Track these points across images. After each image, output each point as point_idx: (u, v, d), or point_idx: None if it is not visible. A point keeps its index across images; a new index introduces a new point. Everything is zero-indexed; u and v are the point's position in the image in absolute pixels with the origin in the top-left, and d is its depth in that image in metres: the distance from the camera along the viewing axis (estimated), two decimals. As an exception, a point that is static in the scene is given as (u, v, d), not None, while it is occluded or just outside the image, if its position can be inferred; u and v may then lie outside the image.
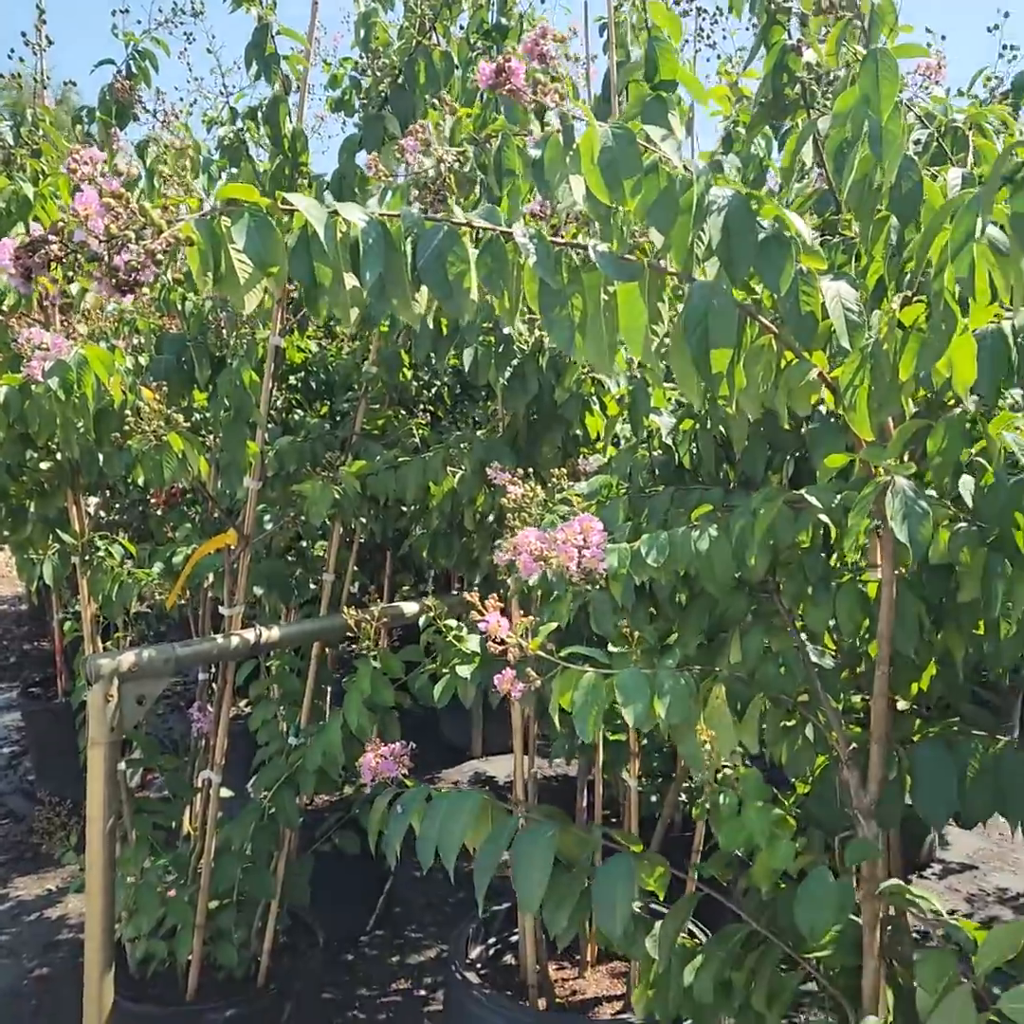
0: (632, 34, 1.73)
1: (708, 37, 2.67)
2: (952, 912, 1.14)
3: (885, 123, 1.10)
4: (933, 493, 1.17)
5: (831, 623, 1.27)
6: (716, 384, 1.05)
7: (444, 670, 1.88)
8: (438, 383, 3.30)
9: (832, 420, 1.22)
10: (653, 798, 3.16)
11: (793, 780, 1.38)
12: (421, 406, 3.25)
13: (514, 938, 2.70)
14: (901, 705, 1.44)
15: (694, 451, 1.61)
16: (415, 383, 3.07)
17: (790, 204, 1.47)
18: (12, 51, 2.16)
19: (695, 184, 1.03)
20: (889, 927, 1.20)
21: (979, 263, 0.93)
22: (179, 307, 2.92)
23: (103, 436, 1.81)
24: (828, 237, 1.46)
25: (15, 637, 7.63)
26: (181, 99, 2.84)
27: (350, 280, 0.96)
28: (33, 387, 1.62)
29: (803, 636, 1.34)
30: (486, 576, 2.55)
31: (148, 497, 3.08)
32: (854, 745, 1.23)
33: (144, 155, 2.53)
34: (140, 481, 2.15)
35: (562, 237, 1.32)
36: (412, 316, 1.00)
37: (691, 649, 1.34)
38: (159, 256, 0.86)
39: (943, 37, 2.33)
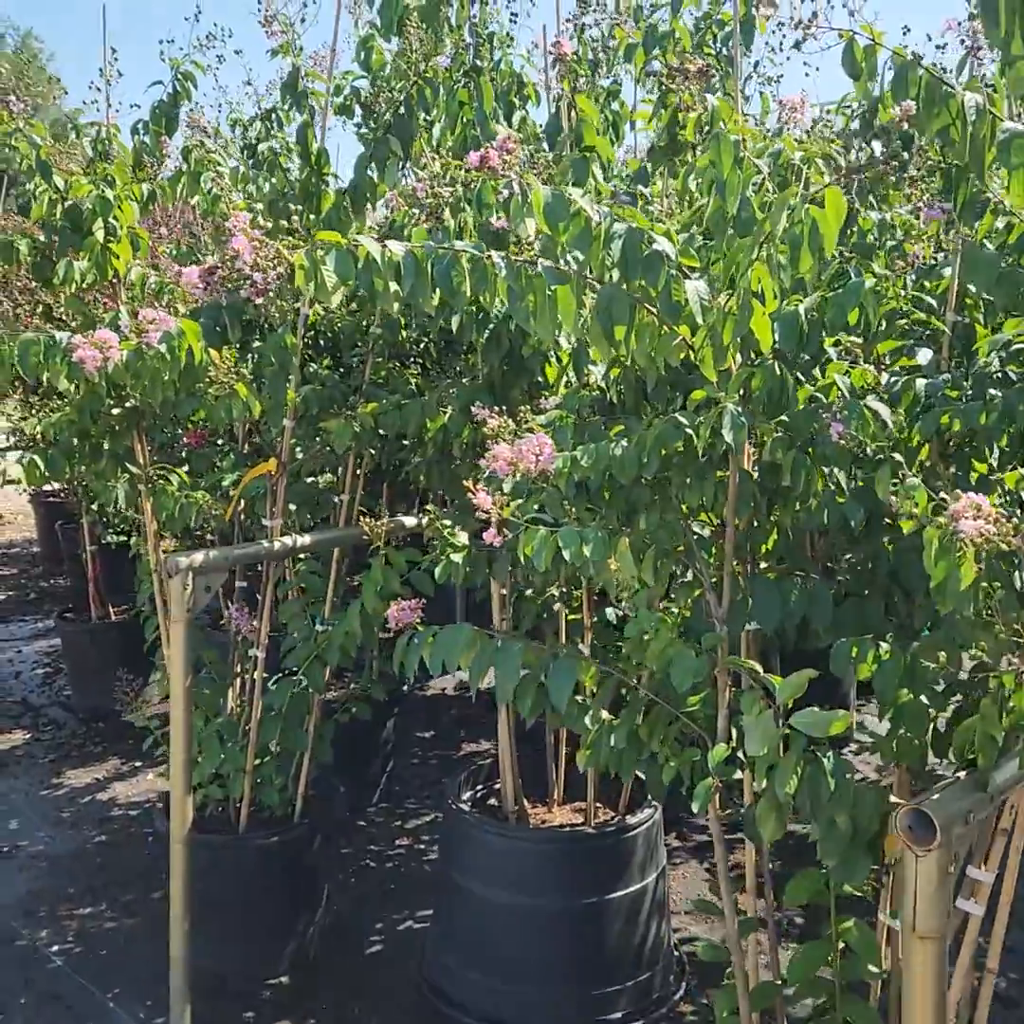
0: (567, 112, 2.33)
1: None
2: (863, 779, 1.78)
3: (726, 177, 1.74)
4: (763, 417, 1.83)
5: (704, 503, 1.93)
6: (618, 347, 1.68)
7: (442, 557, 2.53)
8: (425, 340, 3.92)
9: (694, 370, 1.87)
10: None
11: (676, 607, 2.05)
12: (412, 358, 3.88)
13: (496, 787, 3.38)
14: (763, 566, 2.11)
15: (620, 392, 2.26)
16: (408, 342, 3.69)
17: (678, 217, 2.10)
18: (91, 83, 2.73)
19: (603, 222, 1.66)
20: (733, 689, 1.88)
21: (762, 275, 1.57)
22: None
23: (185, 386, 2.43)
24: (708, 241, 2.10)
25: (32, 576, 8.24)
26: (211, 106, 3.38)
27: (392, 287, 1.58)
28: (145, 350, 2.24)
29: (686, 513, 2.00)
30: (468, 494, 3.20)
31: (183, 438, 3.70)
32: (714, 580, 1.90)
33: (188, 158, 3.12)
34: (201, 419, 2.78)
35: (522, 245, 1.96)
36: (430, 307, 1.63)
37: (612, 524, 2.00)
38: (284, 275, 1.49)
39: (817, 68, 2.92)
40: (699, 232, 2.14)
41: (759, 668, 1.74)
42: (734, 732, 1.86)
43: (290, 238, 1.48)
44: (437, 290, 1.62)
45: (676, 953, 3.25)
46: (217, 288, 1.47)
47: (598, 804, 3.21)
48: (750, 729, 1.67)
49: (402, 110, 2.53)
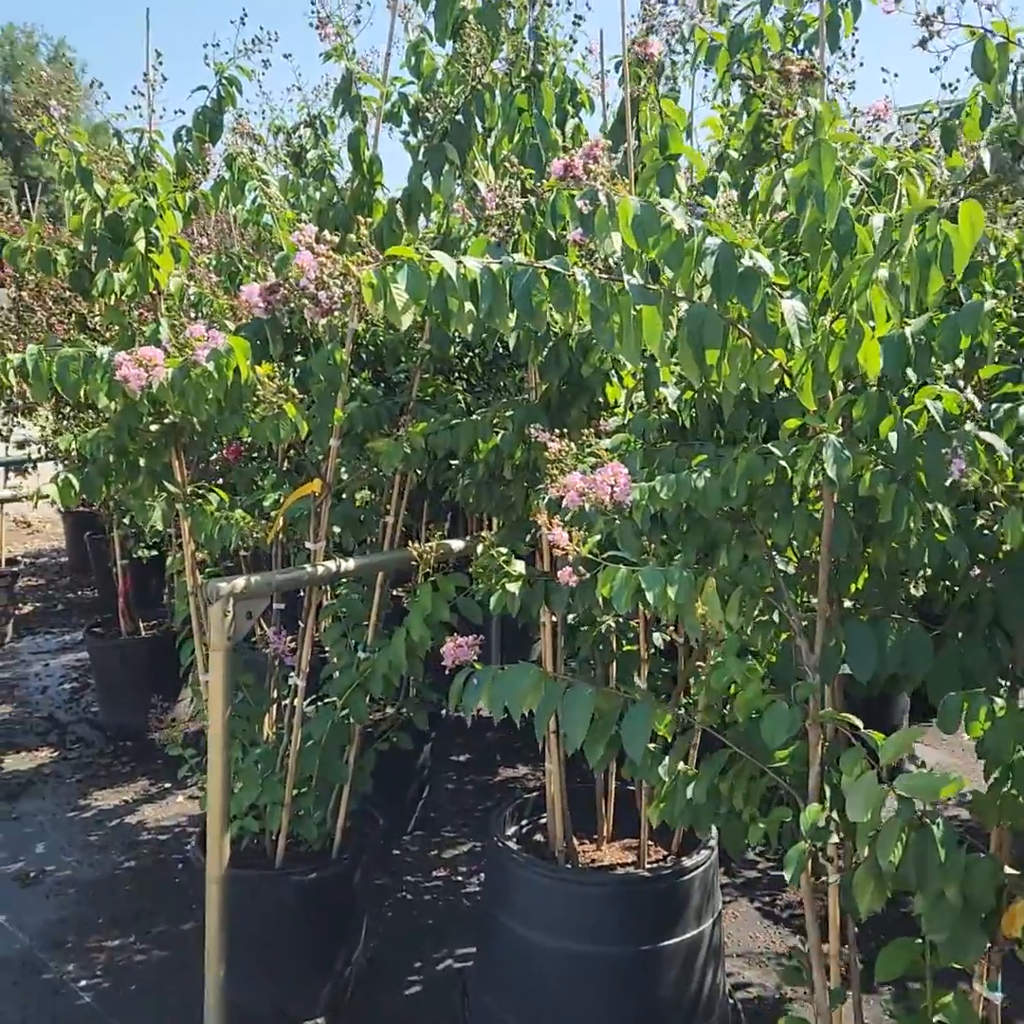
0: (648, 113, 2.20)
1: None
2: (971, 847, 1.64)
3: (826, 189, 1.60)
4: (862, 447, 1.68)
5: (791, 539, 1.78)
6: (709, 372, 1.55)
7: (497, 587, 2.39)
8: (471, 355, 3.80)
9: (789, 396, 1.72)
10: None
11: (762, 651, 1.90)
12: (457, 374, 3.76)
13: (542, 821, 3.24)
14: (847, 605, 1.96)
15: (693, 415, 2.13)
16: (453, 356, 3.57)
17: (765, 230, 1.96)
18: (134, 88, 2.62)
19: (696, 236, 1.52)
20: (827, 743, 1.73)
21: (877, 298, 1.42)
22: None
23: (229, 404, 2.31)
24: (794, 256, 1.96)
25: (59, 587, 8.16)
26: (255, 113, 3.26)
27: (467, 306, 1.45)
28: (193, 368, 2.12)
29: (773, 551, 1.86)
30: (517, 518, 3.06)
31: (219, 453, 3.59)
32: (805, 624, 1.75)
33: (232, 165, 3.01)
34: (245, 438, 2.65)
35: (599, 261, 1.82)
36: (507, 329, 1.50)
37: (690, 559, 1.86)
38: (351, 293, 1.36)
39: (896, 75, 2.78)
40: (783, 247, 2.00)
41: (858, 723, 1.59)
42: (827, 790, 1.71)
43: (359, 254, 1.35)
44: (515, 310, 1.48)
45: (731, 1001, 3.10)
46: (279, 307, 1.34)
47: (650, 841, 3.06)
48: (851, 792, 1.53)
49: (460, 117, 2.40)
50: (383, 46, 2.70)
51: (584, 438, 2.28)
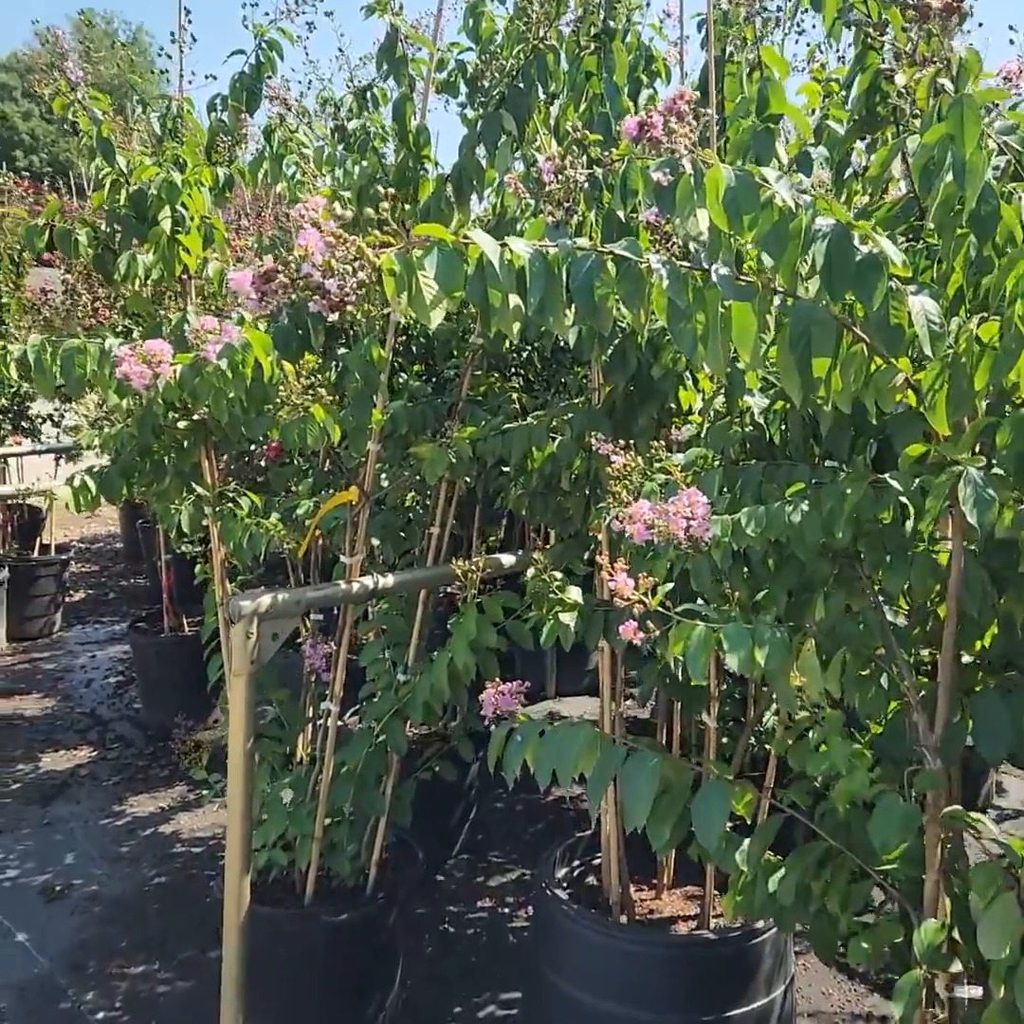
0: (739, 59, 1.88)
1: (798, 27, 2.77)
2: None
3: (968, 158, 1.27)
4: (999, 471, 1.36)
5: (911, 588, 1.46)
6: (816, 386, 1.24)
7: (549, 617, 2.10)
8: (529, 349, 3.50)
9: (907, 412, 1.40)
10: (724, 739, 3.38)
11: (868, 722, 1.59)
12: (513, 370, 3.46)
13: (595, 862, 2.95)
14: (965, 659, 1.63)
15: (783, 429, 1.81)
16: (509, 351, 3.27)
17: (875, 212, 1.63)
18: (161, 49, 2.36)
19: (802, 215, 1.21)
20: (948, 846, 1.41)
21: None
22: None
23: (253, 405, 2.05)
24: (913, 242, 1.63)
25: (112, 574, 8.06)
26: (298, 82, 2.98)
27: (512, 300, 1.16)
28: (204, 366, 1.86)
29: (880, 598, 1.54)
30: (575, 531, 2.77)
31: (257, 452, 3.34)
32: (923, 693, 1.44)
33: (270, 138, 2.75)
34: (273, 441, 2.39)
35: (675, 247, 1.51)
36: (563, 329, 1.20)
37: (779, 607, 1.55)
38: (367, 282, 1.08)
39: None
40: (900, 232, 1.67)
41: (994, 828, 1.27)
42: (947, 904, 1.39)
43: (378, 233, 1.07)
44: (572, 305, 1.19)
45: (801, 1073, 2.78)
46: (279, 297, 1.07)
47: (716, 891, 2.76)
48: (984, 919, 1.21)
49: (519, 80, 2.10)
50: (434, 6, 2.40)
51: (653, 451, 1.98)
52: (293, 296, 1.07)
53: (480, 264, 1.14)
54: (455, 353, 3.13)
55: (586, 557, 2.65)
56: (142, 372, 1.82)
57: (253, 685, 2.34)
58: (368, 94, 2.79)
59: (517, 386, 3.18)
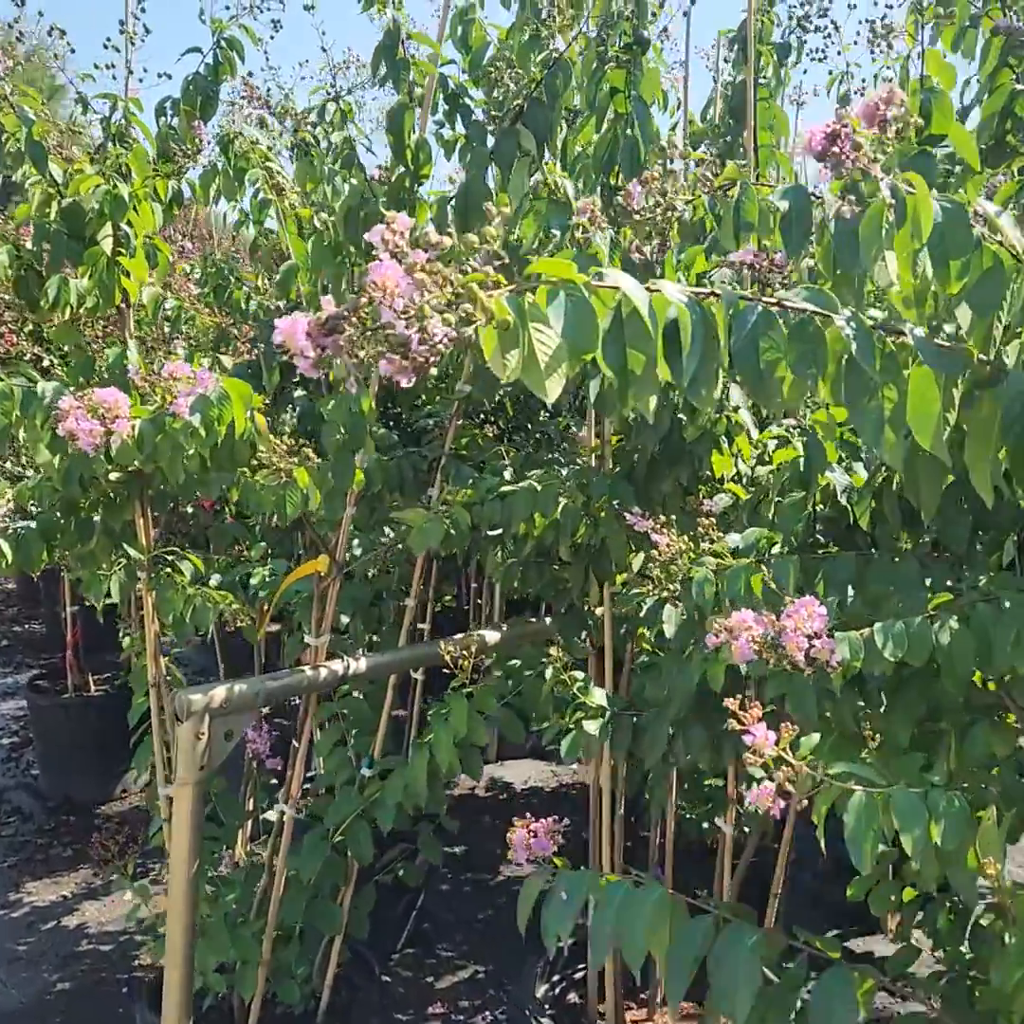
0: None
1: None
2: None
3: None
4: None
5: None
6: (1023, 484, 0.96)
7: (571, 725, 1.78)
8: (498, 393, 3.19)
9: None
10: (704, 824, 3.07)
11: None
12: (483, 417, 3.14)
13: (578, 975, 2.63)
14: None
15: (872, 512, 1.53)
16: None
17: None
18: (108, 40, 1.99)
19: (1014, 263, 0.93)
20: None
21: None
22: (243, 307, 2.79)
23: (218, 466, 1.68)
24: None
25: (4, 618, 7.42)
26: (257, 87, 2.66)
27: (659, 365, 0.85)
28: (168, 421, 1.50)
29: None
30: (571, 605, 2.45)
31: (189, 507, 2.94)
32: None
33: (228, 151, 2.40)
34: (234, 501, 2.03)
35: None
36: (710, 403, 0.89)
37: (903, 741, 1.25)
38: (468, 335, 0.75)
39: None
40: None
41: None
42: None
43: (477, 267, 0.76)
44: (729, 372, 0.88)
45: None
46: (345, 355, 0.73)
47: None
48: None
49: (541, 93, 1.80)
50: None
51: (700, 528, 1.68)
52: (369, 349, 0.73)
53: (618, 315, 0.83)
54: (423, 399, 2.81)
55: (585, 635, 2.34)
56: (93, 430, 1.45)
57: (201, 796, 1.96)
58: (337, 104, 2.47)
59: (491, 434, 2.86)
